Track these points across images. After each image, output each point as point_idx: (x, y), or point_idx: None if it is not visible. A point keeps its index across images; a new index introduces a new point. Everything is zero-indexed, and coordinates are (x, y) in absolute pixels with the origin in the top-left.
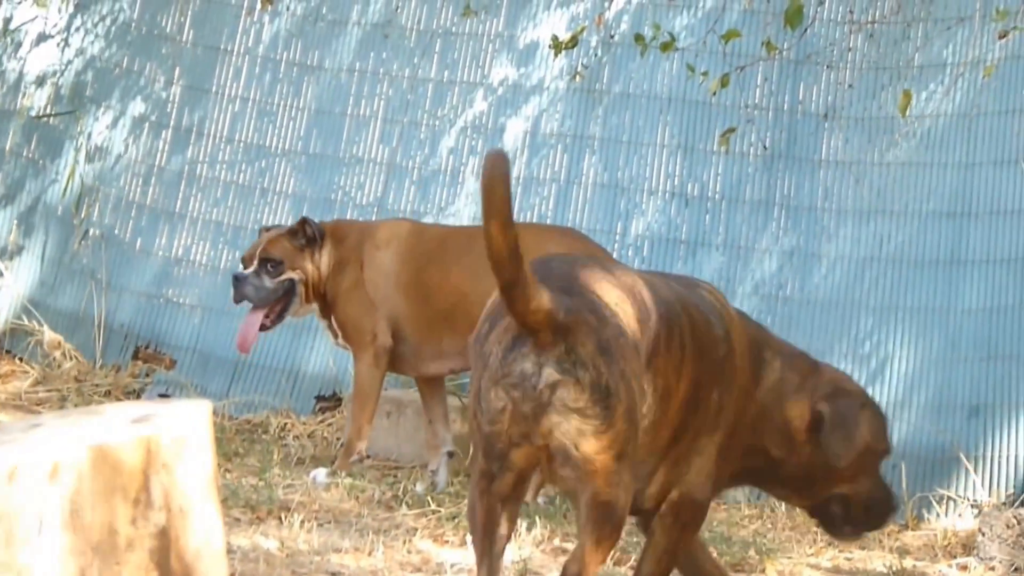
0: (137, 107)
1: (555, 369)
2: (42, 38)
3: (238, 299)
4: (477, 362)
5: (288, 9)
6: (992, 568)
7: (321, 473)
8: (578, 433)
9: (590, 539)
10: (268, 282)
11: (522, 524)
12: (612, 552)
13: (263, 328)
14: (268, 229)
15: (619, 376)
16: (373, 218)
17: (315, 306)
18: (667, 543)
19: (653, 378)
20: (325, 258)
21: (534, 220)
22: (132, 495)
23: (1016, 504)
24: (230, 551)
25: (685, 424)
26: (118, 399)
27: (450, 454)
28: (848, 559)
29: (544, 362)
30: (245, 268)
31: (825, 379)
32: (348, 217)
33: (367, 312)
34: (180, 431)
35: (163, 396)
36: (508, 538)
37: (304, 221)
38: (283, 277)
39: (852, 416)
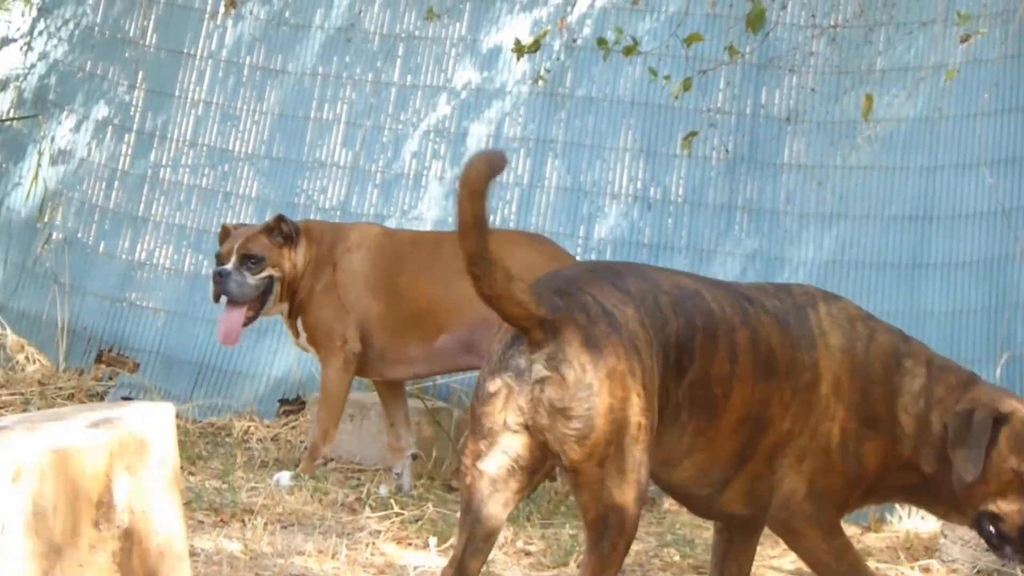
0: (100, 111)
1: (543, 365)
2: (5, 42)
3: (219, 295)
4: (485, 359)
5: (251, 13)
6: (954, 570)
7: (285, 476)
8: (564, 439)
9: (592, 558)
10: (250, 278)
11: None
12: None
13: (246, 322)
14: (236, 227)
15: (604, 374)
16: (336, 221)
17: (285, 305)
18: (804, 556)
19: (679, 384)
20: (301, 256)
21: (498, 224)
22: (95, 497)
23: None
24: (194, 553)
25: (752, 442)
26: (81, 402)
27: (414, 456)
28: None
29: (535, 359)
30: (221, 265)
31: (972, 394)
32: (310, 218)
33: (339, 316)
34: (143, 434)
35: (126, 399)
36: (499, 523)
37: (280, 218)
38: (264, 274)
39: (980, 431)
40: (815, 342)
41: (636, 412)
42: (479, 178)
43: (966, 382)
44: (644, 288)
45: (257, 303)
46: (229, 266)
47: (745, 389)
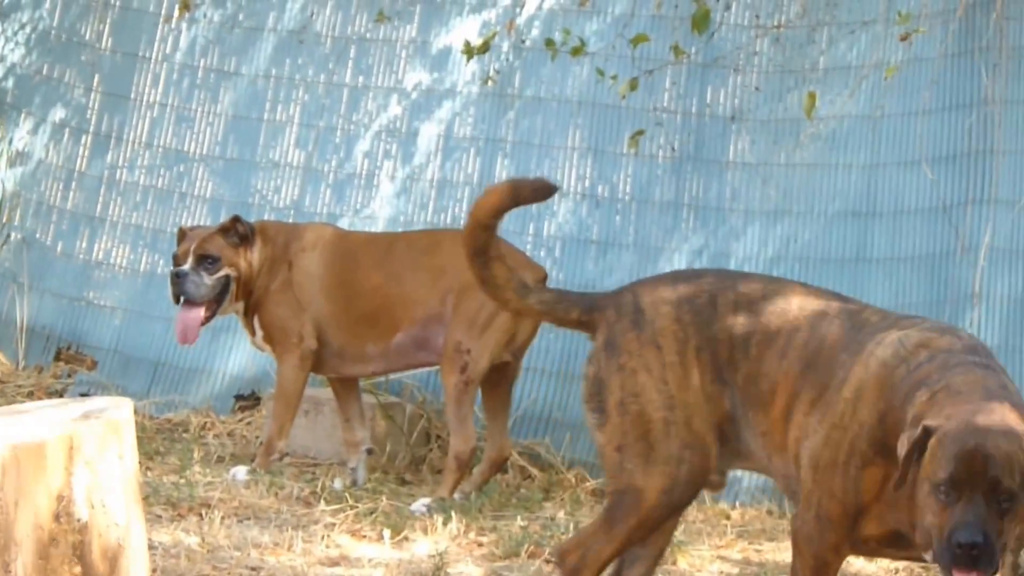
0: (57, 113)
1: (584, 363)
2: None
3: (178, 296)
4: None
5: (205, 16)
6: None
7: (241, 471)
8: (592, 427)
9: (599, 521)
10: (207, 279)
11: (438, 519)
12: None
13: (202, 323)
14: (192, 229)
15: (615, 369)
16: (290, 221)
17: (241, 304)
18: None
19: (735, 378)
20: (256, 256)
21: (448, 222)
22: (55, 492)
23: None
24: (152, 547)
25: (791, 434)
26: (41, 400)
27: (368, 451)
28: (758, 551)
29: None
30: (178, 266)
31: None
32: (265, 219)
33: (294, 314)
34: (102, 429)
35: (84, 396)
36: None
37: (236, 219)
38: (220, 274)
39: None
40: (862, 349)
41: (656, 407)
42: (486, 211)
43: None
44: (705, 288)
45: (214, 303)
46: (186, 267)
47: (788, 384)
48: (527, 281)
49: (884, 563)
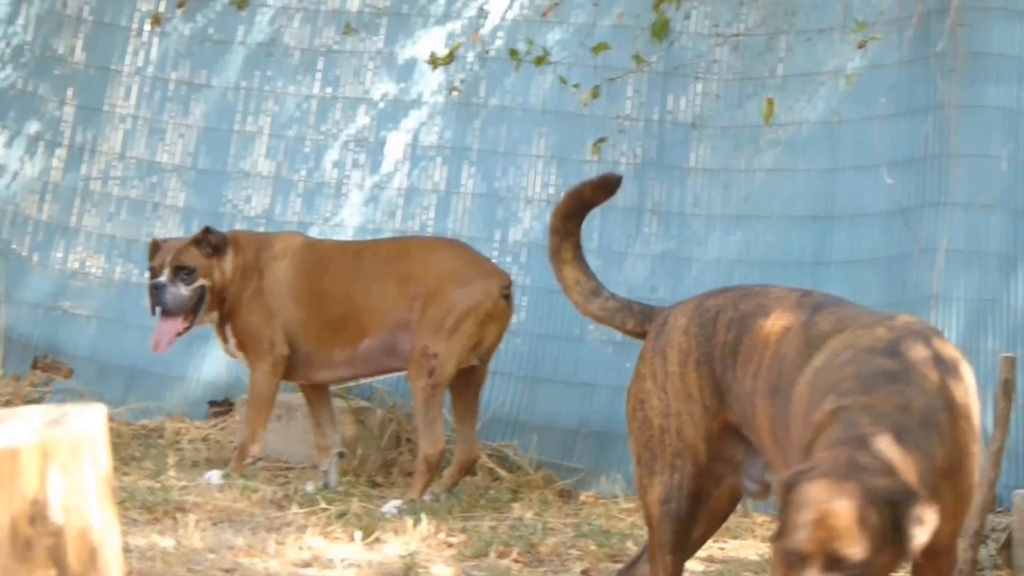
0: (32, 126)
1: None
2: None
3: (155, 307)
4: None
5: (176, 30)
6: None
7: (215, 475)
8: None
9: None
10: (184, 289)
11: (409, 520)
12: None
13: (179, 333)
14: (165, 241)
15: (634, 377)
16: (261, 230)
17: (215, 314)
18: None
19: (715, 391)
20: (229, 265)
21: (416, 229)
22: (31, 496)
23: None
24: (128, 550)
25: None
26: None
27: (340, 454)
28: (722, 548)
29: None
30: (154, 277)
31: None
32: (236, 228)
33: (266, 321)
34: (76, 434)
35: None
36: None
37: (207, 230)
38: (196, 284)
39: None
40: (812, 357)
41: (656, 414)
42: (556, 216)
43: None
44: (721, 302)
45: (191, 313)
46: (163, 278)
47: (765, 407)
48: (598, 287)
49: None
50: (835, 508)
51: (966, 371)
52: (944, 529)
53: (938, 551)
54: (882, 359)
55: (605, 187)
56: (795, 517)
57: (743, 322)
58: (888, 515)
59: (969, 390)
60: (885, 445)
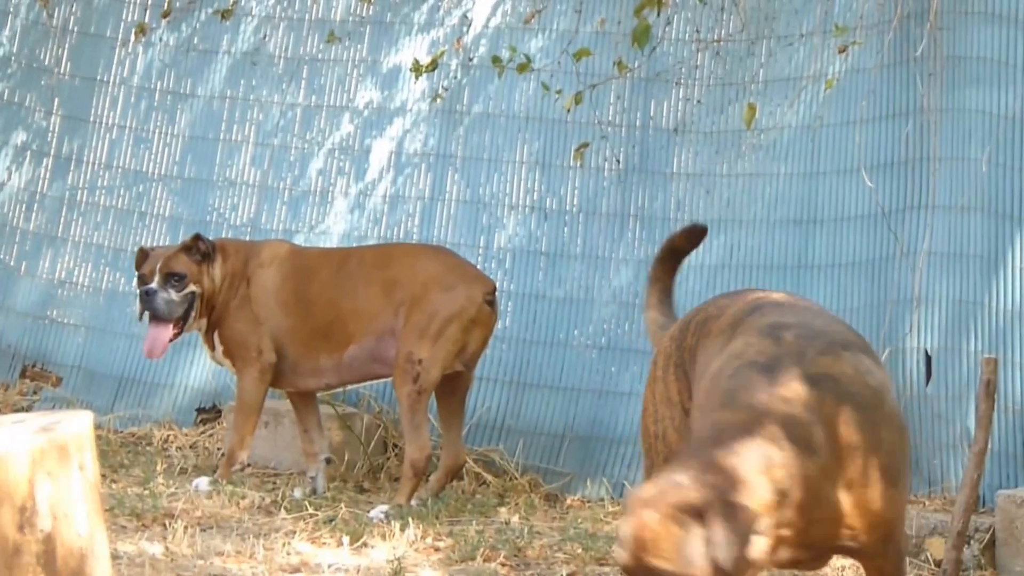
0: (19, 137)
1: None
2: None
3: (145, 313)
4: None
5: (161, 40)
6: (844, 556)
7: (203, 481)
8: None
9: None
10: (174, 295)
11: (396, 525)
12: None
13: (171, 339)
14: (152, 249)
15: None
16: (247, 238)
17: (204, 321)
18: None
19: (691, 395)
20: (217, 273)
21: (401, 236)
22: (19, 502)
23: None
24: (117, 557)
25: None
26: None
27: (327, 460)
28: None
29: None
30: (145, 284)
31: None
32: (223, 236)
33: (253, 329)
34: (64, 441)
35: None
36: None
37: (197, 237)
38: (187, 291)
39: None
40: (712, 361)
41: (650, 420)
42: (654, 264)
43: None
44: (704, 306)
45: (181, 319)
46: (154, 284)
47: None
48: (668, 323)
49: (834, 560)
50: (646, 521)
51: (867, 386)
52: (861, 536)
53: (870, 554)
54: (757, 375)
55: (692, 236)
56: (622, 531)
57: (704, 325)
58: (703, 527)
59: (865, 405)
60: (735, 460)
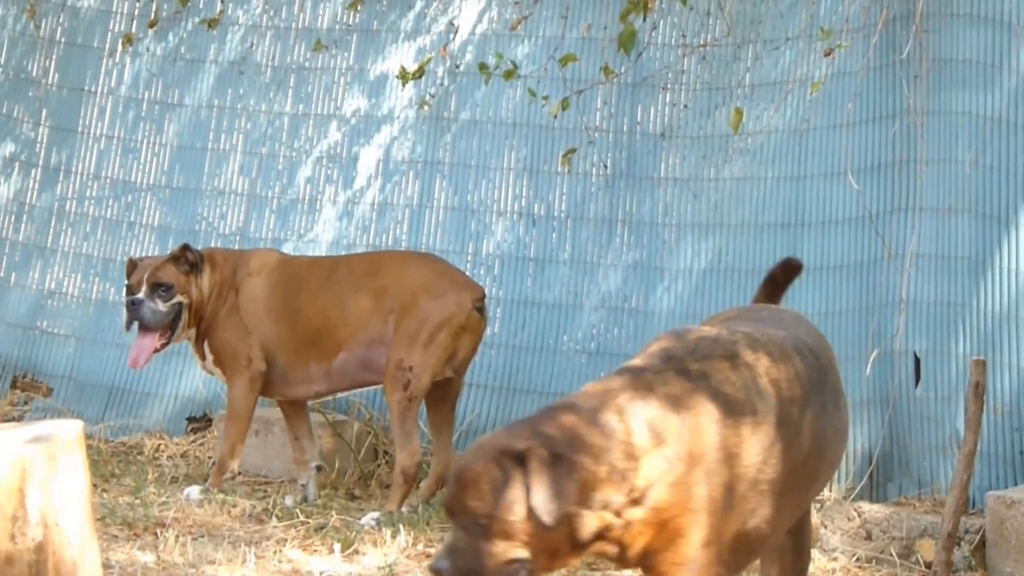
0: (7, 148)
1: None
2: None
3: (132, 323)
4: None
5: (148, 50)
6: (835, 559)
7: (194, 490)
8: None
9: None
10: (161, 305)
11: (387, 532)
12: None
13: (157, 350)
14: (141, 259)
15: None
16: (236, 246)
17: (193, 331)
18: None
19: None
20: (206, 283)
21: (389, 243)
22: (10, 512)
23: (855, 498)
24: (109, 566)
25: None
26: None
27: (318, 468)
28: None
29: None
30: (132, 294)
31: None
32: (212, 246)
33: (242, 338)
34: (54, 450)
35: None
36: None
37: (185, 247)
38: (174, 301)
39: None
40: None
41: None
42: (756, 296)
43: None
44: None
45: (168, 329)
46: (141, 295)
47: None
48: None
49: (822, 563)
50: (470, 463)
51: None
52: (661, 551)
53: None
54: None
55: (789, 269)
56: (449, 471)
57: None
58: (512, 470)
59: (731, 409)
60: (575, 420)
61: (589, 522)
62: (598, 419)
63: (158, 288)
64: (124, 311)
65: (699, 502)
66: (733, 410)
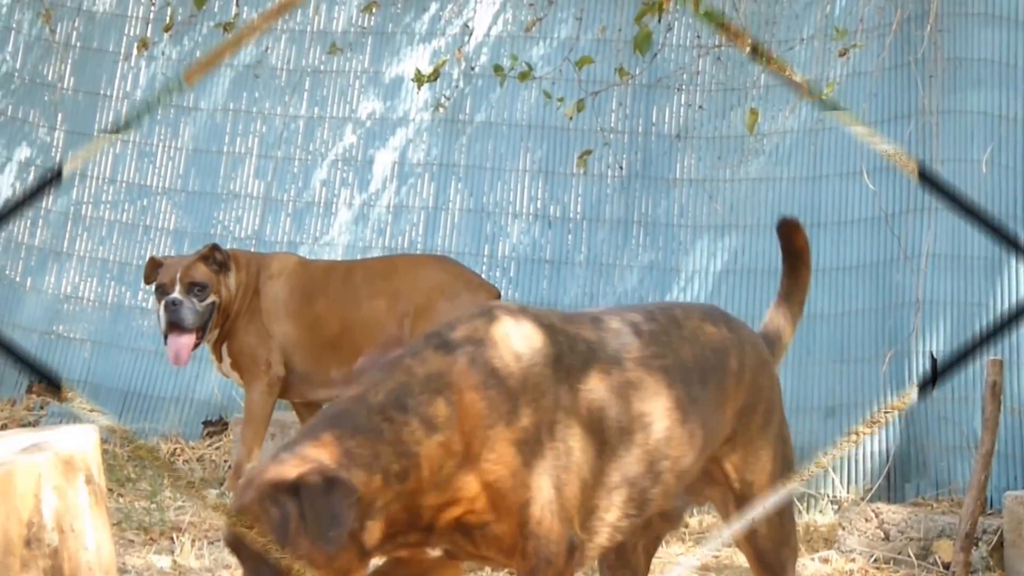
0: (23, 152)
1: None
2: None
3: (173, 324)
4: None
5: (163, 54)
6: (852, 560)
7: (211, 494)
8: None
9: None
10: (198, 305)
11: None
12: None
13: (194, 347)
14: (165, 258)
15: None
16: (252, 250)
17: (217, 331)
18: None
19: None
20: (233, 283)
21: (405, 246)
22: (25, 517)
23: (872, 499)
24: (125, 571)
25: None
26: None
27: None
28: (715, 556)
29: None
30: (167, 294)
31: None
32: (232, 248)
33: (262, 341)
34: (69, 455)
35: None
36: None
37: (215, 247)
38: (208, 300)
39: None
40: None
41: None
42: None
43: None
44: None
45: (201, 329)
46: (177, 294)
47: None
48: (781, 330)
49: (839, 564)
50: (244, 502)
51: (513, 355)
52: (490, 522)
53: (506, 549)
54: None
55: (788, 228)
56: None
57: None
58: (287, 505)
59: (505, 375)
60: (340, 436)
61: (374, 531)
62: (361, 426)
63: (193, 287)
64: (161, 311)
65: (488, 474)
66: (503, 374)
